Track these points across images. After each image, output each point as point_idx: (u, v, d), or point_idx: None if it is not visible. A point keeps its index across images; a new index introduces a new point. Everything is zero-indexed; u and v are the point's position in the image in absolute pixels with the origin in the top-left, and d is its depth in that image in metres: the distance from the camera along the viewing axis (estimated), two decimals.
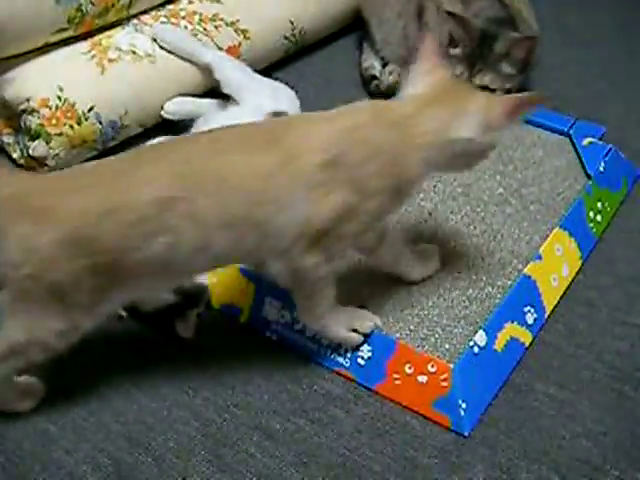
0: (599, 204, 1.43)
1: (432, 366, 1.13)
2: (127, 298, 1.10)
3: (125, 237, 0.99)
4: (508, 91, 1.60)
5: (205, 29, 1.74)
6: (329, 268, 1.08)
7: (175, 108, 1.66)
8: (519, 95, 1.17)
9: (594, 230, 1.40)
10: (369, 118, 1.08)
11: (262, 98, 1.57)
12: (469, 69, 1.60)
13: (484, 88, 1.57)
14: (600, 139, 1.60)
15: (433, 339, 1.20)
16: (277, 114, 1.49)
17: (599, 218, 1.42)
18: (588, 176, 1.50)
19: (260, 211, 1.01)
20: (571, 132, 1.61)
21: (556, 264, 1.31)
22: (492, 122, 1.10)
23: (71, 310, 1.03)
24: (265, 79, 1.67)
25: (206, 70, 1.69)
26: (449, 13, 1.62)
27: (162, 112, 1.65)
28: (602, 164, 1.49)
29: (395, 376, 1.14)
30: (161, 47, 1.65)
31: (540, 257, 1.28)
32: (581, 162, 1.54)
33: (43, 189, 1.04)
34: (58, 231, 0.98)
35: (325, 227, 1.03)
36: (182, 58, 1.68)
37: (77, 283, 1.00)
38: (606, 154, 1.52)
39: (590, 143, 1.57)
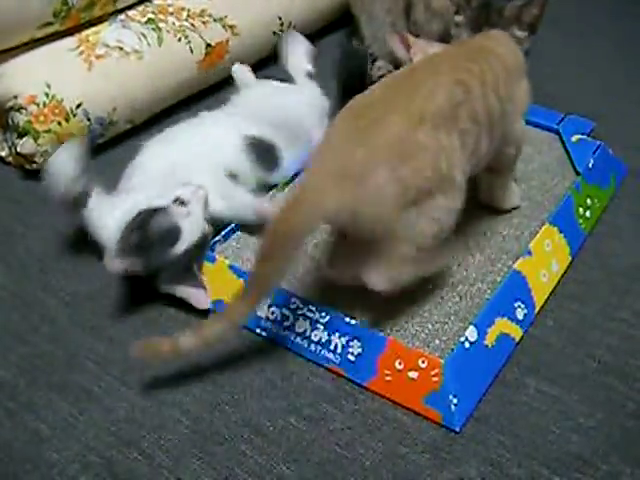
0: (588, 200, 1.44)
1: (423, 362, 1.13)
2: None
3: None
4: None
5: (193, 25, 1.74)
6: None
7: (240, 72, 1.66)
8: None
9: (583, 226, 1.41)
10: None
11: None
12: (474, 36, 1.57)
13: None
14: (589, 135, 1.61)
15: (423, 335, 1.20)
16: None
17: (588, 214, 1.42)
18: (577, 172, 1.50)
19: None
20: (560, 128, 1.61)
21: (546, 260, 1.31)
22: None
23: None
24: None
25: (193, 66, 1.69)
26: None
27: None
28: (591, 160, 1.50)
29: (386, 372, 1.14)
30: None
31: (530, 253, 1.29)
32: (570, 159, 1.54)
33: None
34: None
35: None
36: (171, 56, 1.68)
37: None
38: (595, 151, 1.53)
39: (579, 140, 1.57)
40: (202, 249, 1.30)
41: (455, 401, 1.11)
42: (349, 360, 1.17)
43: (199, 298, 1.25)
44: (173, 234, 1.25)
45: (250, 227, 1.39)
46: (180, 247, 1.25)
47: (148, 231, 1.24)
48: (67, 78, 1.57)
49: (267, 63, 1.92)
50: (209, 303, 1.25)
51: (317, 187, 1.10)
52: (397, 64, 1.78)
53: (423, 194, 1.10)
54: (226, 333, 1.12)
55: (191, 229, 1.27)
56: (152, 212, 1.25)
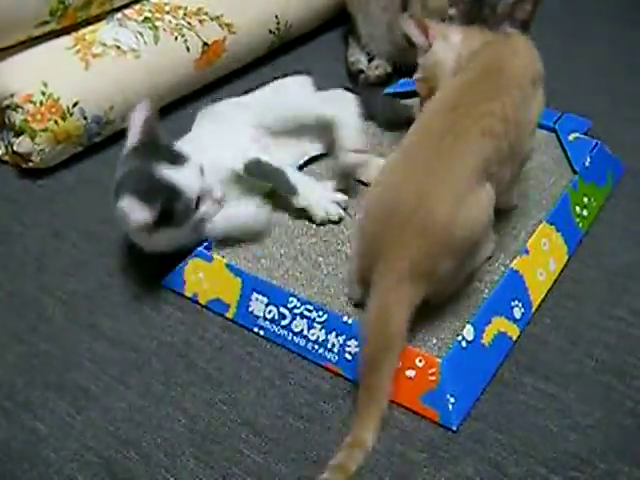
0: (585, 199, 1.44)
1: (420, 361, 1.13)
2: None
3: None
4: None
5: (189, 23, 1.73)
6: None
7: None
8: None
9: (580, 225, 1.41)
10: None
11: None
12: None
13: None
14: (586, 133, 1.61)
15: (421, 334, 1.20)
16: None
17: (585, 213, 1.43)
18: (574, 171, 1.50)
19: None
20: (557, 127, 1.61)
21: (543, 258, 1.31)
22: None
23: None
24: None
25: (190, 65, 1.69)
26: None
27: None
28: (588, 159, 1.50)
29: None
30: None
31: (527, 252, 1.29)
32: (567, 157, 1.54)
33: None
34: None
35: None
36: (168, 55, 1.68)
37: None
38: (592, 149, 1.53)
39: (576, 138, 1.57)
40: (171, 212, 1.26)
41: (452, 400, 1.11)
42: (346, 359, 1.17)
43: (138, 213, 1.19)
44: (179, 161, 1.27)
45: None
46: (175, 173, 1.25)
47: (170, 204, 1.23)
48: (64, 77, 1.57)
49: (263, 62, 1.92)
50: (143, 219, 1.19)
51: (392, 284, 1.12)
52: (395, 62, 1.79)
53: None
54: (362, 459, 1.05)
55: (192, 176, 1.27)
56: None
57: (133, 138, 1.29)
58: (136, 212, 1.18)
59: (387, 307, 1.11)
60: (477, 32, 1.40)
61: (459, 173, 1.15)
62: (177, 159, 1.27)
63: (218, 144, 1.39)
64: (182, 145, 1.36)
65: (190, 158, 1.28)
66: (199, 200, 1.27)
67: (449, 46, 1.37)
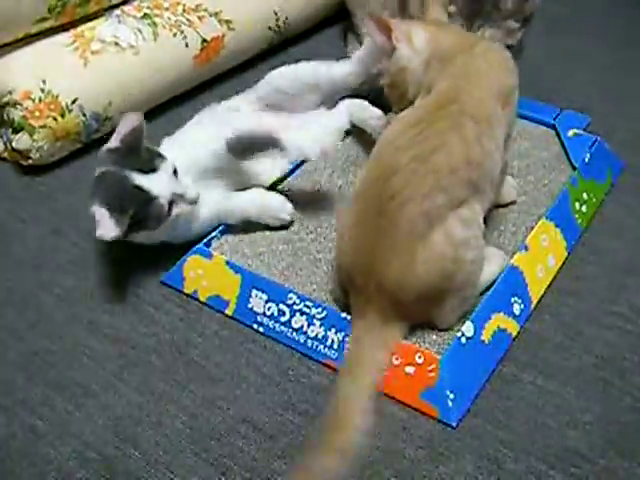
0: (584, 195, 1.44)
1: (419, 357, 1.13)
2: None
3: None
4: (509, 47, 1.56)
5: (188, 20, 1.73)
6: None
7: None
8: None
9: (579, 221, 1.41)
10: None
11: None
12: (468, 25, 1.54)
13: None
14: (585, 129, 1.61)
15: (420, 330, 1.20)
16: None
17: (584, 209, 1.42)
18: (573, 167, 1.50)
19: None
20: (556, 123, 1.61)
21: (542, 255, 1.31)
22: None
23: None
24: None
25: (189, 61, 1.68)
26: None
27: None
28: (587, 155, 1.49)
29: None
30: None
31: (526, 248, 1.29)
32: (566, 153, 1.54)
33: None
34: None
35: None
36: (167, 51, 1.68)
37: None
38: (591, 145, 1.53)
39: (575, 134, 1.57)
40: (141, 222, 1.25)
41: (452, 396, 1.11)
42: None
43: (105, 227, 1.20)
44: (148, 167, 1.25)
45: (246, 223, 1.38)
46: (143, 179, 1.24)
47: (142, 211, 1.23)
48: (62, 73, 1.56)
49: (263, 58, 1.92)
50: (109, 236, 1.19)
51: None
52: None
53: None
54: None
55: (163, 183, 1.25)
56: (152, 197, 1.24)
57: (114, 141, 1.28)
58: (106, 226, 1.19)
59: (361, 350, 1.13)
60: (447, 31, 1.34)
61: (406, 226, 1.11)
62: (151, 164, 1.25)
63: (200, 137, 1.39)
64: (171, 142, 1.38)
65: (165, 160, 1.27)
66: (172, 203, 1.26)
67: (414, 50, 1.29)
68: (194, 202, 1.29)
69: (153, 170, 1.25)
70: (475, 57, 1.26)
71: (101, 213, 1.19)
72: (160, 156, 1.27)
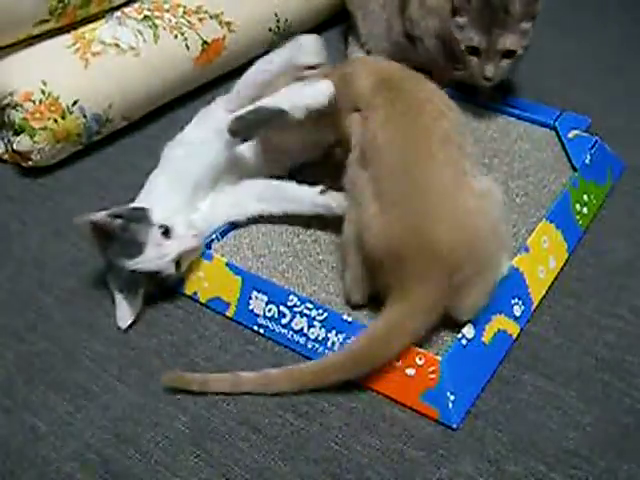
0: (585, 196, 1.44)
1: (420, 359, 1.13)
2: None
3: None
4: (525, 49, 1.56)
5: (189, 22, 1.73)
6: None
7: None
8: None
9: (580, 222, 1.41)
10: None
11: None
12: (486, 36, 1.53)
13: (509, 53, 1.54)
14: (586, 131, 1.61)
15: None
16: None
17: (585, 210, 1.42)
18: (574, 168, 1.50)
19: None
20: (557, 125, 1.61)
21: (543, 256, 1.31)
22: None
23: None
24: None
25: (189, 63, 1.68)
26: None
27: None
28: (588, 156, 1.49)
29: (383, 369, 1.14)
30: None
31: (527, 249, 1.29)
32: (567, 154, 1.54)
33: None
34: None
35: None
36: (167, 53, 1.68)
37: None
38: (592, 147, 1.53)
39: (576, 136, 1.57)
40: (156, 285, 1.27)
41: (452, 398, 1.11)
42: None
43: (121, 315, 1.25)
44: (134, 249, 1.22)
45: (246, 224, 1.38)
46: (130, 264, 1.22)
47: (120, 230, 1.23)
48: (63, 75, 1.56)
49: None
50: (125, 325, 1.25)
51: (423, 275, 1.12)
52: (394, 59, 1.78)
53: None
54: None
55: (152, 259, 1.23)
56: (135, 216, 1.24)
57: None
58: (120, 318, 1.25)
59: (390, 334, 1.12)
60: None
61: (440, 188, 1.14)
62: (135, 246, 1.23)
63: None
64: (174, 144, 1.38)
65: (150, 226, 1.24)
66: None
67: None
68: (196, 235, 1.28)
69: (139, 251, 1.22)
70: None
71: (117, 301, 1.25)
72: (142, 221, 1.24)
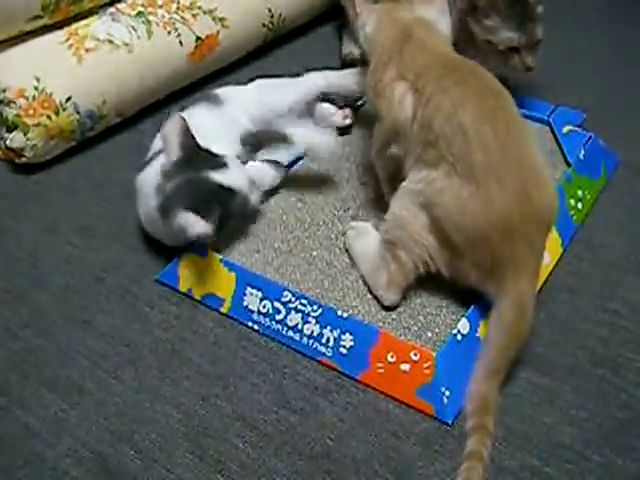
0: (579, 191, 1.44)
1: (415, 354, 1.13)
2: None
3: None
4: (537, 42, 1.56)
5: (183, 17, 1.73)
6: None
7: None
8: None
9: (574, 217, 1.41)
10: None
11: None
12: (521, 31, 1.52)
13: (538, 42, 1.55)
14: (580, 126, 1.61)
15: (416, 327, 1.20)
16: None
17: (579, 205, 1.42)
18: (568, 164, 1.50)
19: None
20: (551, 120, 1.61)
21: None
22: None
23: None
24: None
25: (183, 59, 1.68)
26: None
27: None
28: (582, 151, 1.50)
29: (378, 365, 1.14)
30: None
31: None
32: (561, 150, 1.54)
33: None
34: None
35: None
36: (161, 49, 1.68)
37: None
38: (586, 142, 1.53)
39: (570, 131, 1.57)
40: (229, 212, 1.28)
41: (447, 393, 1.11)
42: (341, 353, 1.17)
43: (194, 222, 1.21)
44: (219, 163, 1.29)
45: (239, 220, 1.38)
46: (218, 177, 1.27)
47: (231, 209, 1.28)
48: (56, 71, 1.56)
49: (257, 56, 1.92)
50: (202, 229, 1.20)
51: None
52: None
53: None
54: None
55: (238, 175, 1.30)
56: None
57: (173, 153, 1.28)
58: (196, 226, 1.20)
59: (525, 308, 1.14)
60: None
61: (526, 163, 1.18)
62: (219, 162, 1.29)
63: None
64: None
65: (227, 156, 1.31)
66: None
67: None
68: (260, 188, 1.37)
69: (225, 165, 1.29)
70: None
71: (187, 217, 1.21)
72: (221, 156, 1.31)
